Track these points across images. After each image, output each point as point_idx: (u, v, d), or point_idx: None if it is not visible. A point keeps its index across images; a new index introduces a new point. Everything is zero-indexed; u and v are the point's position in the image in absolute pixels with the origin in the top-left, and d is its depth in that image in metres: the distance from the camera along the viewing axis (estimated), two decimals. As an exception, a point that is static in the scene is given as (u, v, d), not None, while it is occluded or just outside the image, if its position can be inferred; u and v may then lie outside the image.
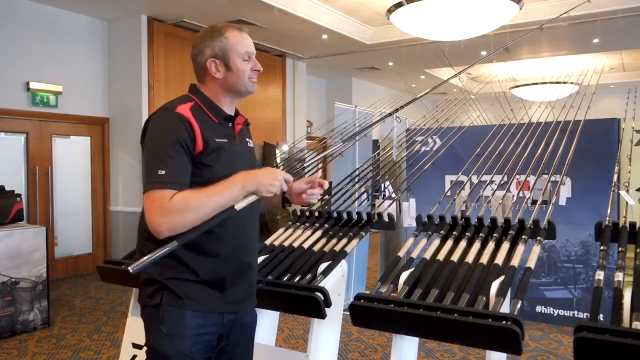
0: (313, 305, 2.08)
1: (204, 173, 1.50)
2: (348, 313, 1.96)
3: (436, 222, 2.43)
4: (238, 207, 1.47)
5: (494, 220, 2.28)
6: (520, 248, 2.06)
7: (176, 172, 1.44)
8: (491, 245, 2.13)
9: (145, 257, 1.36)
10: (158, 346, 1.52)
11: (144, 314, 1.57)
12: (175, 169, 1.44)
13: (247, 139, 1.73)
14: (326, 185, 1.71)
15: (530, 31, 4.40)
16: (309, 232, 2.67)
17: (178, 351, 1.49)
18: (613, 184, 2.42)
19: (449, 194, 3.18)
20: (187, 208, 1.40)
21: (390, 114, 3.64)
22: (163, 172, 1.42)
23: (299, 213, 2.88)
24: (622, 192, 2.36)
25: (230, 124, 1.64)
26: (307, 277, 2.26)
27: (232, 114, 1.66)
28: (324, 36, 7.52)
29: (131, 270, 1.34)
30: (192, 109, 1.54)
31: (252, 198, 1.50)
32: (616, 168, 2.67)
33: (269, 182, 1.50)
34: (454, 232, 2.29)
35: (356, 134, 2.63)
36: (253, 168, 1.62)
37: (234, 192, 1.46)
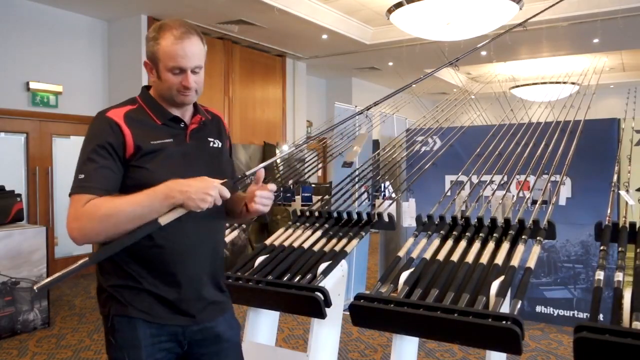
0: (313, 305, 2.09)
1: (138, 176, 1.41)
2: (348, 313, 1.97)
3: (436, 222, 2.43)
4: (163, 221, 1.32)
5: (494, 220, 2.28)
6: (520, 248, 2.06)
7: (96, 177, 1.36)
8: (491, 245, 2.13)
9: (53, 276, 1.25)
10: (111, 357, 1.46)
11: (103, 323, 1.51)
12: (95, 174, 1.37)
13: (211, 139, 1.59)
14: (272, 187, 1.52)
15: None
16: (309, 232, 2.67)
17: None
18: (613, 184, 2.42)
19: (449, 194, 3.18)
20: (97, 215, 1.31)
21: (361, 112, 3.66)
22: (82, 176, 1.37)
23: (299, 213, 2.88)
24: (622, 192, 2.37)
25: (183, 124, 1.53)
26: (307, 277, 2.27)
27: (180, 114, 1.53)
28: (324, 36, 7.52)
29: (35, 289, 1.29)
30: (127, 112, 1.46)
31: (181, 212, 1.34)
32: (616, 168, 2.67)
33: (199, 197, 1.33)
34: (454, 232, 2.29)
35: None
36: (214, 168, 1.51)
37: (153, 203, 1.33)
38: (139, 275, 1.44)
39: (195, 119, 1.56)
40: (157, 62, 1.47)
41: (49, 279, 1.26)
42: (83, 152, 1.41)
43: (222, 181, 1.39)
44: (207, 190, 1.34)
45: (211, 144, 1.59)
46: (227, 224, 2.82)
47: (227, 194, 1.37)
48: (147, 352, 1.43)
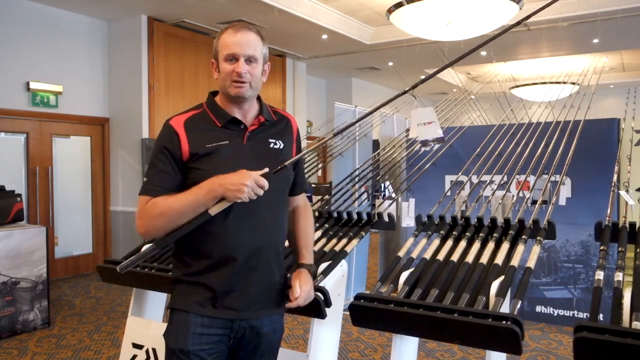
0: (313, 305, 2.08)
1: (194, 176, 1.53)
2: (348, 313, 1.97)
3: (436, 222, 2.43)
4: (212, 212, 1.47)
5: (493, 220, 2.28)
6: (520, 248, 2.06)
7: (156, 179, 1.54)
8: (491, 245, 2.13)
9: (133, 257, 1.52)
10: (165, 339, 1.59)
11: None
12: (156, 176, 1.54)
13: (272, 140, 1.65)
14: (296, 293, 1.62)
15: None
16: (309, 232, 2.67)
17: (181, 347, 1.52)
18: (613, 184, 2.42)
19: (449, 194, 3.18)
20: (156, 213, 1.49)
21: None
22: (145, 179, 1.56)
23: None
24: (622, 192, 2.37)
25: (243, 126, 1.60)
26: (307, 277, 2.26)
27: (241, 116, 1.60)
28: (324, 36, 7.52)
29: (119, 270, 1.49)
30: (188, 119, 1.58)
31: (227, 203, 1.47)
32: (616, 168, 2.67)
33: (235, 187, 1.43)
34: (454, 232, 2.29)
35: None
36: (269, 167, 1.54)
37: (199, 197, 1.46)
38: (188, 265, 1.56)
39: (256, 121, 1.63)
40: (217, 56, 1.58)
41: (129, 260, 1.52)
42: (150, 157, 1.60)
43: (261, 172, 1.47)
44: (242, 181, 1.43)
45: (271, 144, 1.64)
46: None
47: (264, 182, 1.46)
48: (195, 340, 1.52)
